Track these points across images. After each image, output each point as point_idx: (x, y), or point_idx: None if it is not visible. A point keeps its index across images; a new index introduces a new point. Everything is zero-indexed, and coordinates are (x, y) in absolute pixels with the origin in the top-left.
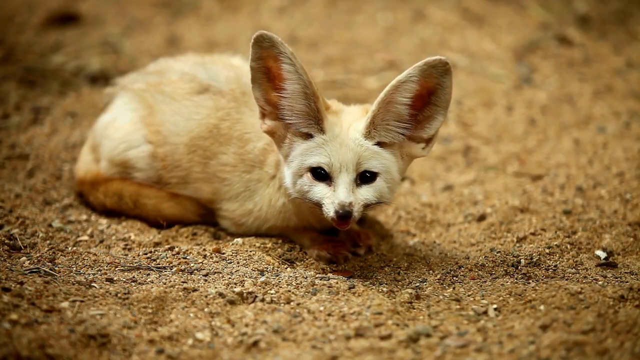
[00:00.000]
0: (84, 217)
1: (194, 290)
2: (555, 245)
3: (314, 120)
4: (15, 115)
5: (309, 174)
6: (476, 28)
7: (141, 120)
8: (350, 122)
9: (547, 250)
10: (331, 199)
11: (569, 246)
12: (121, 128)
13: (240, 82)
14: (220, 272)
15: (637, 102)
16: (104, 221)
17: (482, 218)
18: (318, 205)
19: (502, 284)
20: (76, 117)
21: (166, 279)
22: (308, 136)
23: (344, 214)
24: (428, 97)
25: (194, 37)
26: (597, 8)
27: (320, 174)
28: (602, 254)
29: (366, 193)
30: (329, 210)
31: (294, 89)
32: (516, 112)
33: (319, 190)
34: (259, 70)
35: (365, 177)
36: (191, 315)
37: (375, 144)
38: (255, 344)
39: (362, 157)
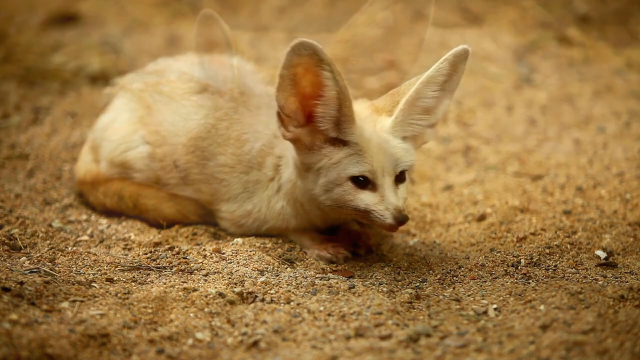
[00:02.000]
0: (84, 217)
1: (194, 290)
2: (555, 245)
3: (345, 125)
4: (15, 115)
5: (349, 183)
6: (476, 28)
7: (139, 120)
8: (374, 121)
9: (547, 250)
10: (384, 205)
11: (569, 246)
12: (120, 129)
13: (238, 82)
14: (220, 272)
15: (637, 102)
16: (104, 221)
17: (482, 218)
18: (365, 212)
19: (502, 284)
20: (76, 117)
21: (166, 279)
22: (340, 142)
23: (402, 219)
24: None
25: (194, 37)
26: (597, 8)
27: (361, 181)
28: (602, 254)
29: (403, 192)
30: (386, 217)
31: (330, 96)
32: (516, 112)
33: (365, 198)
34: (289, 77)
35: (399, 177)
36: (191, 315)
37: (402, 140)
38: (255, 344)
39: (399, 158)
